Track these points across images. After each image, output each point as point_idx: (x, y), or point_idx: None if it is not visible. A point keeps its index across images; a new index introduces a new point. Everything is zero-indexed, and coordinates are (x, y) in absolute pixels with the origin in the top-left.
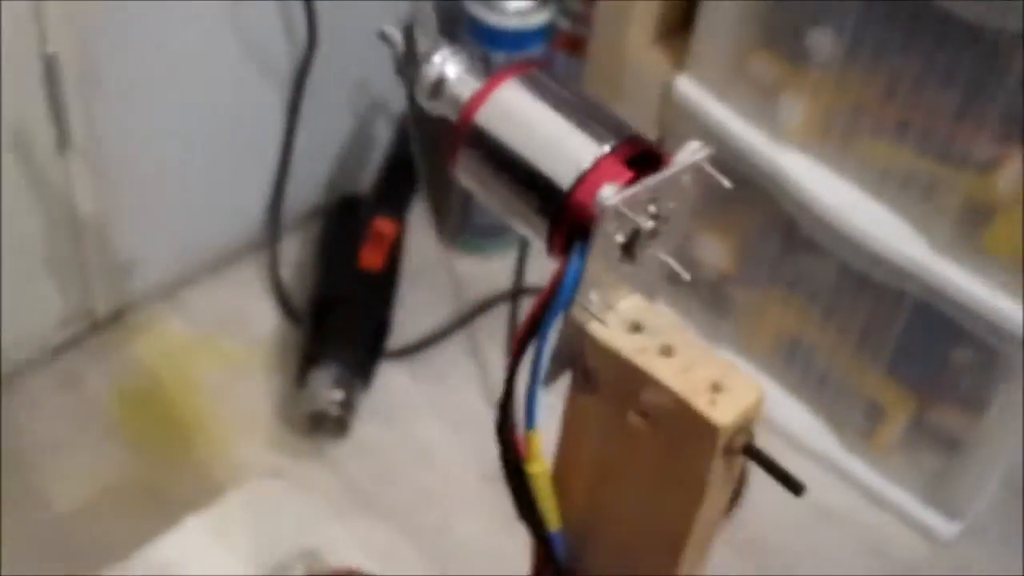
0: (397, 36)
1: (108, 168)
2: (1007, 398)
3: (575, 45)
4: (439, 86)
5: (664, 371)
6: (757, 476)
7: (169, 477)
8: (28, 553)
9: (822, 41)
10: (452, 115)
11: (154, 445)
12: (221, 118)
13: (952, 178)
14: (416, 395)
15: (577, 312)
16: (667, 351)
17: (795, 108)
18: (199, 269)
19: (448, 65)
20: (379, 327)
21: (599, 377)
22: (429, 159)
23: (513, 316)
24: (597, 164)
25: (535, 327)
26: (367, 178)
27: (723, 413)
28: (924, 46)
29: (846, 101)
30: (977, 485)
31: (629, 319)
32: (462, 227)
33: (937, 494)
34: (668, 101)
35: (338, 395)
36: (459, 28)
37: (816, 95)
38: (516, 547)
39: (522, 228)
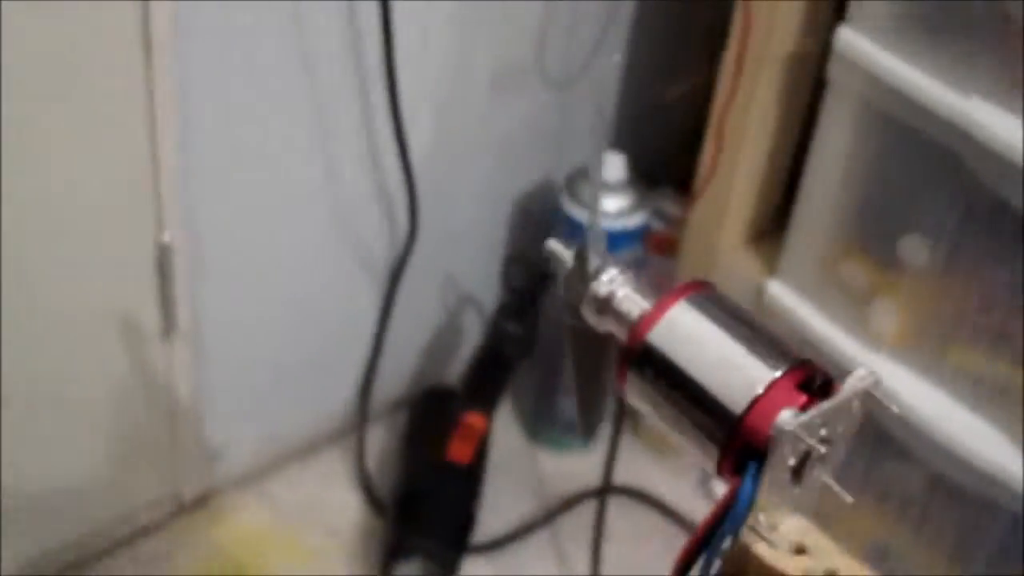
0: (566, 254)
1: (206, 354)
2: None
3: (668, 246)
4: (607, 303)
5: None
6: None
7: None
8: None
9: (916, 248)
10: (619, 332)
11: None
12: (317, 308)
13: None
14: None
15: (745, 532)
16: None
17: (888, 314)
18: (285, 456)
19: (617, 283)
20: (466, 521)
21: None
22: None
23: (600, 514)
24: (769, 389)
25: (702, 547)
26: (454, 371)
27: None
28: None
29: (941, 309)
30: None
31: (794, 540)
32: (545, 422)
33: None
34: (760, 304)
35: None
36: (555, 228)
37: (910, 302)
38: None
39: (690, 447)
